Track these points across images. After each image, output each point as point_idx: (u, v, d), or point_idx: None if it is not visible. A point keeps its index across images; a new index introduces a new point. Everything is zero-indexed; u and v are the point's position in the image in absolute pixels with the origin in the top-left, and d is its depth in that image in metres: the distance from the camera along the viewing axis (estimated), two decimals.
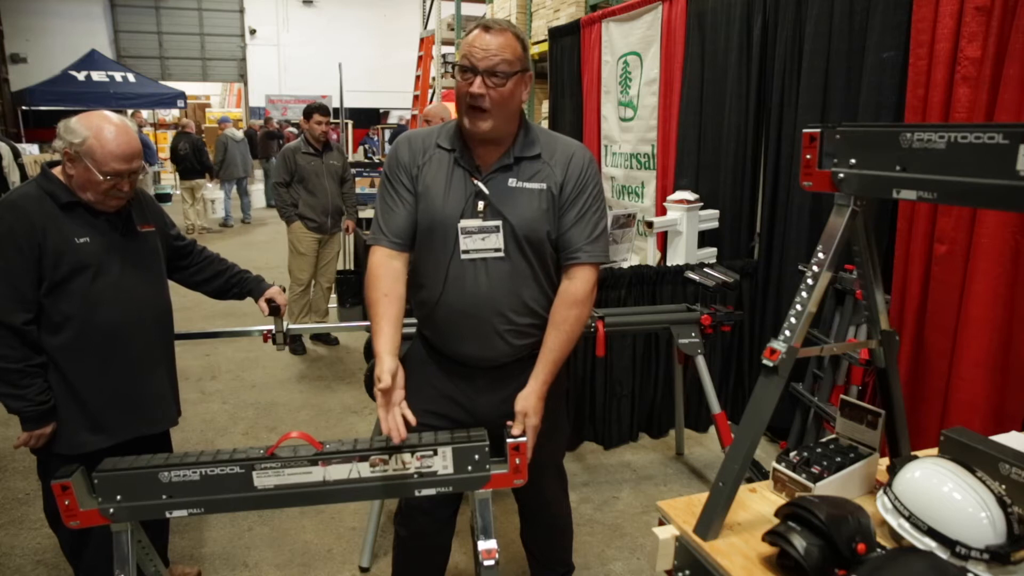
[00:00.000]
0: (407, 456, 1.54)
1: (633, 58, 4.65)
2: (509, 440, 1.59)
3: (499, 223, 1.70)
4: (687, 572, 1.34)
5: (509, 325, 1.76)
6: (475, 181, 1.71)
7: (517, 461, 1.59)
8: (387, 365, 1.55)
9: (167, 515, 1.54)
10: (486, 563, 1.58)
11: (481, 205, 1.70)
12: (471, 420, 1.82)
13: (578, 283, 1.74)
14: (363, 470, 1.56)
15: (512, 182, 1.71)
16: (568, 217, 1.74)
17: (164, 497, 1.52)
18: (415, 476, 1.56)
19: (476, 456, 1.57)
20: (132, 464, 1.52)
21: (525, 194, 1.71)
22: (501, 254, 1.71)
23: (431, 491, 1.57)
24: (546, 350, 1.73)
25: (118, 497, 1.51)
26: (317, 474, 1.54)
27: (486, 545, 1.60)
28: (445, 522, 2.00)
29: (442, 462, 1.57)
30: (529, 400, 1.68)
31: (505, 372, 1.80)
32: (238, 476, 1.53)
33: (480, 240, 1.70)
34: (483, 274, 1.72)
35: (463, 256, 1.71)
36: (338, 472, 1.55)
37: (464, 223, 1.69)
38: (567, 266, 1.76)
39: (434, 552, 2.07)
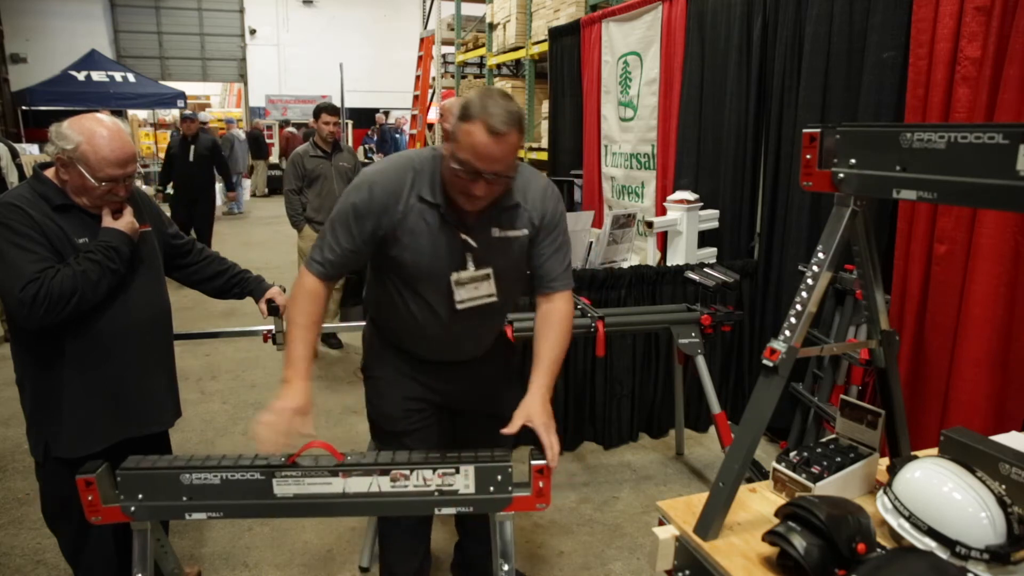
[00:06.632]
0: (428, 472, 1.51)
1: (633, 58, 4.65)
2: (533, 463, 1.54)
3: (489, 271, 1.75)
4: (687, 572, 1.34)
5: (482, 341, 1.93)
6: (463, 236, 1.71)
7: (540, 484, 1.54)
8: (306, 401, 1.61)
9: (186, 517, 1.52)
10: None
11: (471, 257, 1.73)
12: (445, 404, 1.95)
13: (562, 303, 1.84)
14: (383, 484, 1.52)
15: (495, 232, 1.75)
16: (545, 250, 1.82)
17: (184, 499, 1.50)
18: (435, 494, 1.52)
19: (499, 477, 1.52)
20: (155, 464, 1.51)
21: (507, 243, 1.78)
22: (495, 299, 1.78)
23: (451, 510, 1.54)
24: (549, 362, 1.78)
25: (140, 496, 1.49)
26: (337, 485, 1.51)
27: (507, 568, 1.57)
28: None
29: (464, 481, 1.53)
30: (534, 408, 1.68)
31: (467, 366, 1.93)
32: (258, 483, 1.50)
33: (473, 289, 1.75)
34: (474, 315, 1.79)
35: (459, 307, 1.75)
36: (358, 485, 1.51)
37: (457, 276, 1.73)
38: (547, 292, 1.84)
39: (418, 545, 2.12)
